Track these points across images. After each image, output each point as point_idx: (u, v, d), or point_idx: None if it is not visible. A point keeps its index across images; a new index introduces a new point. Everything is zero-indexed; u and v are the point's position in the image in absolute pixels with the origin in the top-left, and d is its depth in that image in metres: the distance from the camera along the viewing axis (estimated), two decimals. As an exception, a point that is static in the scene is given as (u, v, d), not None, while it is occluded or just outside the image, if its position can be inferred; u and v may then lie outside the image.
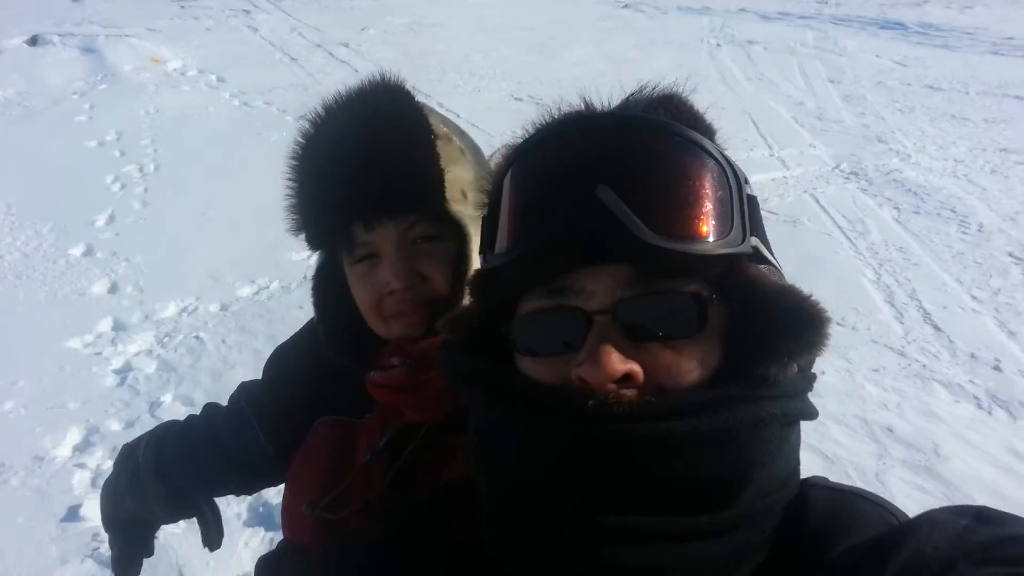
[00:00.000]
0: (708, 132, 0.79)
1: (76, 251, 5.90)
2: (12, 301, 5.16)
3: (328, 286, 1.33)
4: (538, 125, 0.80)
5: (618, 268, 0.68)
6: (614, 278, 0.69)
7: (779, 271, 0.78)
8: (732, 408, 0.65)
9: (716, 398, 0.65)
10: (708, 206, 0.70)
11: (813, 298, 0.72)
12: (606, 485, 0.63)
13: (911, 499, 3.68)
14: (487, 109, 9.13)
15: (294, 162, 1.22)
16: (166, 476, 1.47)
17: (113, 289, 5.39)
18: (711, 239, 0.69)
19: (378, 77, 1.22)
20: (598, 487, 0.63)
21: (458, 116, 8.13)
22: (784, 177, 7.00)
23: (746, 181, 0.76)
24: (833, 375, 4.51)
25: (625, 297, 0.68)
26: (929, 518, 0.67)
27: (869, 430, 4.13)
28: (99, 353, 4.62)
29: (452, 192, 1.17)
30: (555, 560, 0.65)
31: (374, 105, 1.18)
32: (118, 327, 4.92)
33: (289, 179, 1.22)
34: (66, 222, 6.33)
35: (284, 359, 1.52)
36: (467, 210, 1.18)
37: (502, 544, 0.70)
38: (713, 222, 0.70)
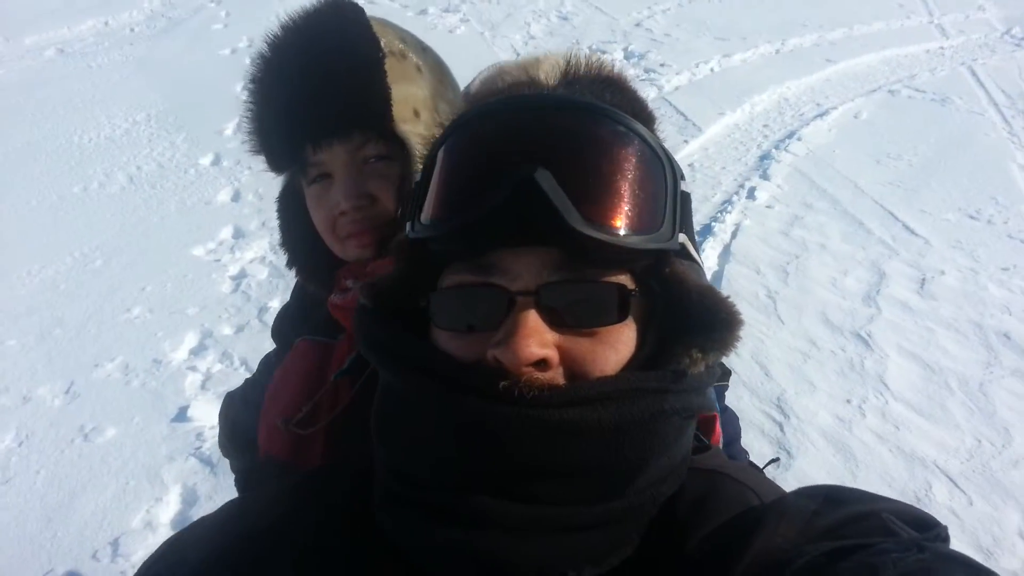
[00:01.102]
0: (649, 120, 0.80)
1: (205, 160, 6.18)
2: (147, 211, 5.50)
3: (290, 209, 1.36)
4: (481, 97, 0.82)
5: (546, 251, 0.68)
6: (541, 261, 0.68)
7: (701, 269, 0.81)
8: (638, 400, 0.67)
9: (625, 389, 0.67)
10: (642, 200, 0.70)
11: (729, 300, 0.75)
12: (504, 468, 0.64)
13: (1017, 413, 3.27)
14: None
15: (251, 85, 1.22)
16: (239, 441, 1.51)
17: (235, 197, 5.62)
18: (641, 233, 0.69)
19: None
20: (496, 470, 0.64)
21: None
22: (940, 48, 6.12)
23: (682, 177, 0.76)
24: (953, 275, 4.01)
25: (550, 281, 0.68)
26: (780, 505, 0.68)
27: (983, 336, 3.70)
28: (218, 260, 4.86)
29: (402, 111, 1.16)
30: (436, 540, 0.64)
31: (322, 26, 1.18)
32: (237, 235, 5.13)
33: (246, 101, 1.24)
34: (198, 132, 6.63)
35: (292, 291, 1.55)
36: (418, 128, 1.16)
37: (389, 516, 0.70)
38: (645, 216, 0.70)
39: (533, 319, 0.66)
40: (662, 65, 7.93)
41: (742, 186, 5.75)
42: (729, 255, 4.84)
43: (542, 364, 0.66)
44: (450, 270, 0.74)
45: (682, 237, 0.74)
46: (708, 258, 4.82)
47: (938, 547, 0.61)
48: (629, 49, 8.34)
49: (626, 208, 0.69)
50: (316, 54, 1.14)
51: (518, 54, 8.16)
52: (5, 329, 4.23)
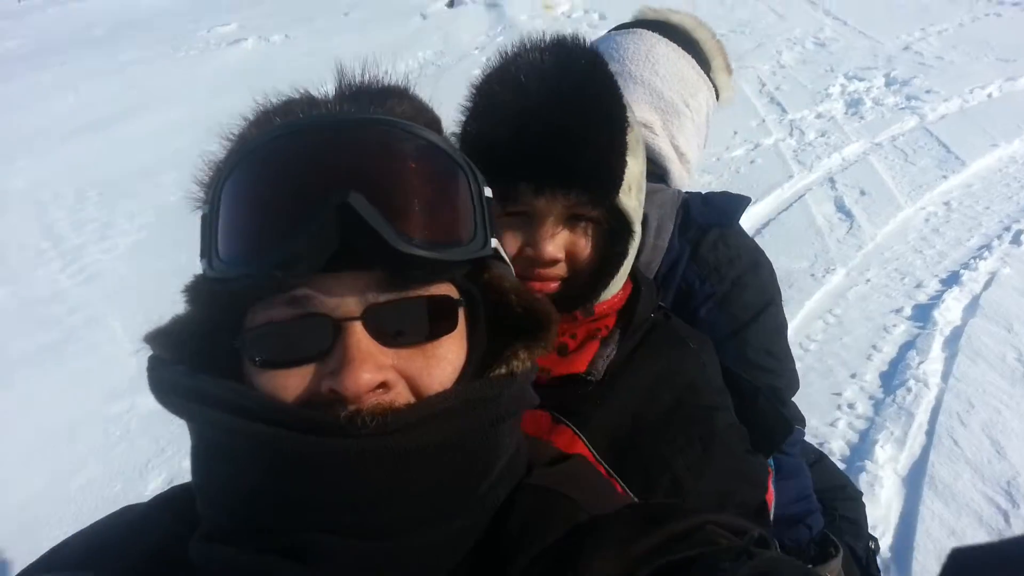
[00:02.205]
0: (440, 128, 0.81)
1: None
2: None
3: None
4: (261, 118, 0.75)
5: (365, 274, 0.67)
6: (364, 283, 0.67)
7: (511, 270, 0.83)
8: (478, 409, 0.68)
9: (465, 400, 0.68)
10: (454, 212, 0.72)
11: (543, 297, 0.80)
12: (347, 503, 0.62)
13: None
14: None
15: (485, 89, 1.18)
16: None
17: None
18: (458, 244, 0.71)
19: (574, 38, 1.20)
20: (338, 506, 0.62)
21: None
22: None
23: (484, 183, 0.76)
24: None
25: (376, 303, 0.67)
26: (601, 530, 0.68)
27: None
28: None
29: (625, 183, 1.16)
30: (260, 569, 0.63)
31: (579, 73, 1.15)
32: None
33: (468, 104, 1.20)
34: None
35: None
36: (631, 203, 1.17)
37: (208, 554, 0.67)
38: (459, 228, 0.72)
39: (365, 343, 0.66)
40: (928, 92, 7.15)
41: (1007, 228, 5.01)
42: (977, 308, 4.22)
43: (382, 387, 0.66)
44: (260, 306, 0.70)
45: (494, 242, 0.76)
46: (950, 309, 4.24)
47: (766, 553, 0.62)
48: (891, 75, 7.62)
49: (439, 221, 0.70)
50: (571, 101, 1.11)
51: (764, 84, 7.82)
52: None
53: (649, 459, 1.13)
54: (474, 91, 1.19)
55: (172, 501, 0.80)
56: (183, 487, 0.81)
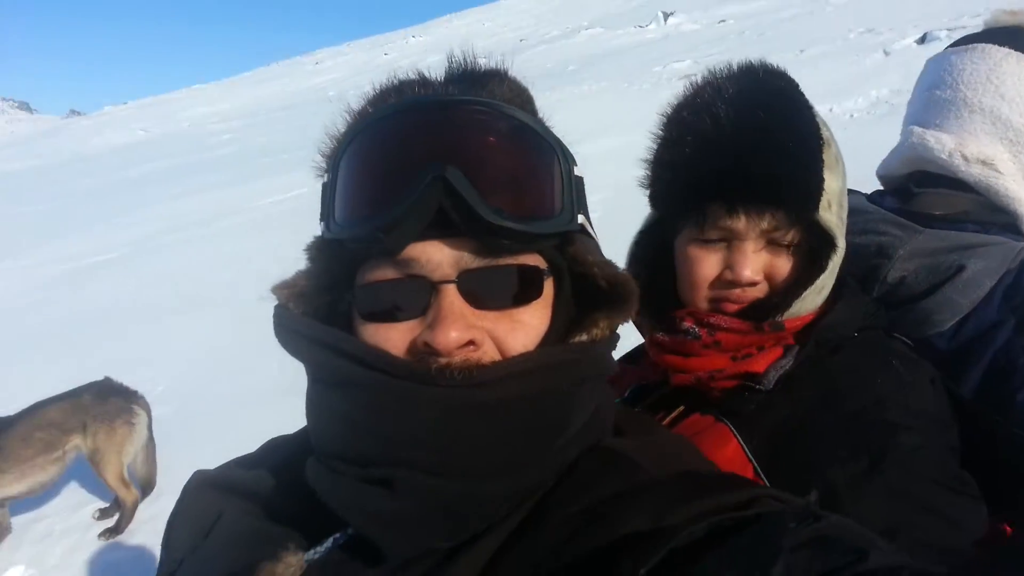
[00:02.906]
0: (533, 108, 0.85)
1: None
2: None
3: (645, 245, 1.34)
4: (376, 97, 0.83)
5: (461, 241, 0.73)
6: (458, 250, 0.73)
7: (598, 245, 0.85)
8: (559, 371, 0.74)
9: (547, 363, 0.73)
10: (543, 188, 0.76)
11: (625, 272, 0.83)
12: (431, 444, 0.69)
13: None
14: None
15: (676, 117, 1.20)
16: None
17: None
18: (546, 218, 0.75)
19: (762, 63, 1.20)
20: (423, 445, 0.69)
21: None
22: None
23: (575, 163, 0.80)
24: None
25: (469, 269, 0.73)
26: (644, 490, 0.71)
27: None
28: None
29: (824, 200, 1.13)
30: (368, 509, 0.70)
31: (772, 91, 1.16)
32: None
33: (658, 132, 1.22)
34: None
35: None
36: (832, 219, 1.14)
37: (320, 480, 0.75)
38: (548, 202, 0.76)
39: (458, 304, 0.71)
40: None
41: None
42: None
43: (471, 345, 0.71)
44: (369, 266, 0.77)
45: (581, 218, 0.79)
46: None
47: (832, 516, 0.64)
48: None
49: (529, 196, 0.75)
50: (763, 121, 1.11)
51: None
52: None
53: (802, 464, 1.08)
54: (664, 120, 1.20)
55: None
56: None
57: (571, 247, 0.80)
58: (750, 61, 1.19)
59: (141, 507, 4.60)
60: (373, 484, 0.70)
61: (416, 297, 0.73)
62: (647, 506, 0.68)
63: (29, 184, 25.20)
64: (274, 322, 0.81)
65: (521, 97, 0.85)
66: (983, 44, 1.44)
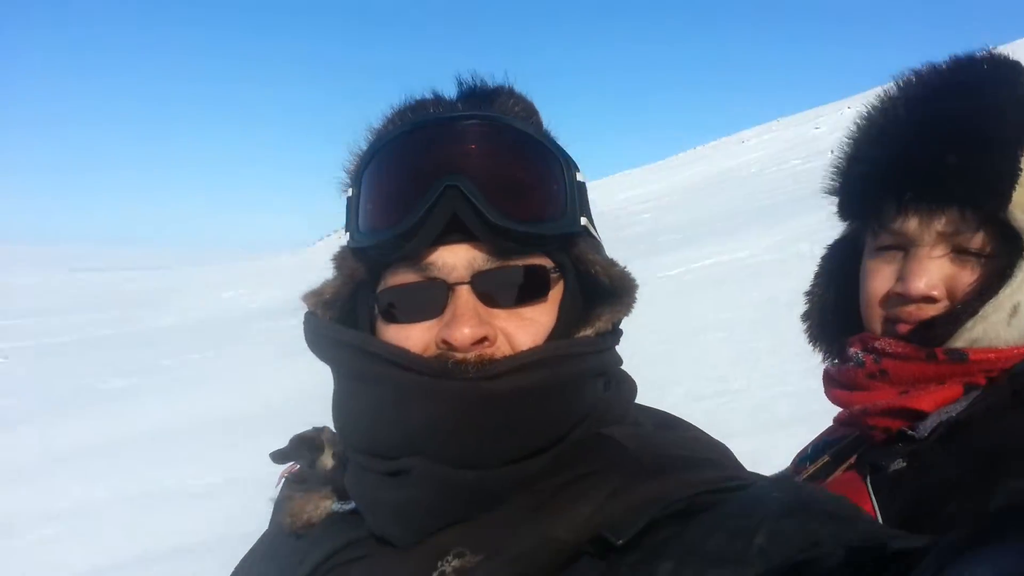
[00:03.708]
0: (538, 120, 0.92)
1: None
2: None
3: (834, 262, 1.24)
4: (395, 115, 0.90)
5: (474, 245, 0.80)
6: (471, 254, 0.80)
7: (601, 245, 0.91)
8: (566, 363, 0.80)
9: (554, 355, 0.79)
10: (548, 194, 0.83)
11: (627, 269, 0.90)
12: (448, 434, 0.75)
13: None
14: None
15: (854, 124, 1.15)
16: None
17: None
18: (551, 221, 0.82)
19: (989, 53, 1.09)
20: (440, 435, 0.75)
21: None
22: None
23: (577, 169, 0.87)
24: None
25: (481, 270, 0.80)
26: (602, 471, 0.76)
27: None
28: None
29: (1018, 196, 0.98)
30: (387, 500, 0.78)
31: (959, 74, 1.06)
32: None
33: (846, 137, 1.16)
34: None
35: None
36: (1020, 214, 0.98)
37: (350, 482, 0.84)
38: (552, 206, 0.83)
39: (472, 303, 0.78)
40: None
41: None
42: None
43: (485, 340, 0.77)
44: (389, 271, 0.84)
45: (584, 220, 0.86)
46: None
47: (813, 486, 0.72)
48: None
49: (535, 201, 0.82)
50: (939, 108, 1.01)
51: None
52: None
53: (946, 524, 0.84)
54: (854, 125, 1.13)
55: None
56: None
57: (575, 247, 0.86)
58: (953, 56, 1.07)
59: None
60: (389, 474, 0.77)
61: (434, 298, 0.80)
62: (613, 479, 0.73)
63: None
64: (304, 328, 0.89)
65: (527, 110, 0.91)
66: None
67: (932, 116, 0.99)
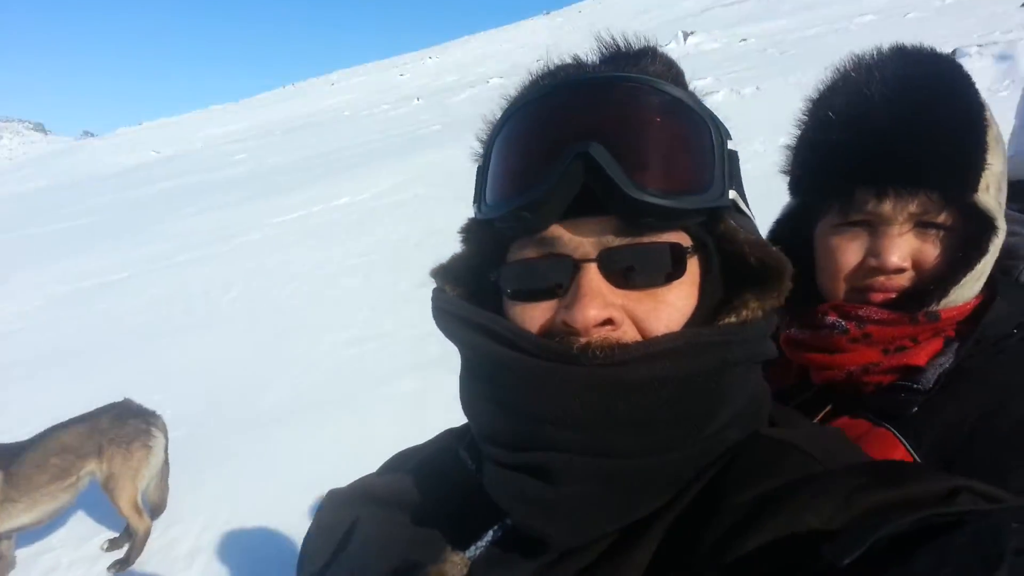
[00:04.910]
0: (683, 82, 0.83)
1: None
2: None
3: (783, 237, 1.27)
4: (531, 81, 0.84)
5: (605, 219, 0.72)
6: (600, 229, 0.73)
7: (752, 223, 0.82)
8: (705, 353, 0.70)
9: (692, 343, 0.70)
10: (691, 162, 0.74)
11: (779, 250, 0.79)
12: (581, 424, 0.68)
13: None
14: None
15: (812, 102, 1.18)
16: None
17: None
18: (692, 193, 0.73)
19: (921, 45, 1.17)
20: (573, 426, 0.68)
21: None
22: None
23: (728, 136, 0.78)
24: None
25: (610, 247, 0.72)
26: (827, 478, 0.67)
27: None
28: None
29: (984, 181, 1.07)
30: (521, 493, 0.70)
31: (930, 71, 1.10)
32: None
33: (803, 116, 1.19)
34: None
35: None
36: (991, 202, 1.08)
37: (485, 471, 0.76)
38: (695, 177, 0.73)
39: (596, 282, 0.71)
40: None
41: None
42: None
43: (610, 322, 0.70)
44: (516, 245, 0.78)
45: (732, 194, 0.76)
46: None
47: None
48: None
49: (676, 171, 0.72)
50: (915, 100, 1.06)
51: None
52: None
53: (980, 472, 0.92)
54: (810, 103, 1.17)
55: (453, 432, 0.95)
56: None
57: (721, 224, 0.77)
58: (903, 44, 1.14)
59: (152, 536, 4.33)
60: (527, 470, 0.70)
61: (557, 276, 0.73)
62: (834, 492, 0.64)
63: (42, 204, 25.44)
64: (432, 304, 0.83)
65: (671, 71, 0.82)
66: None
67: (909, 108, 1.06)
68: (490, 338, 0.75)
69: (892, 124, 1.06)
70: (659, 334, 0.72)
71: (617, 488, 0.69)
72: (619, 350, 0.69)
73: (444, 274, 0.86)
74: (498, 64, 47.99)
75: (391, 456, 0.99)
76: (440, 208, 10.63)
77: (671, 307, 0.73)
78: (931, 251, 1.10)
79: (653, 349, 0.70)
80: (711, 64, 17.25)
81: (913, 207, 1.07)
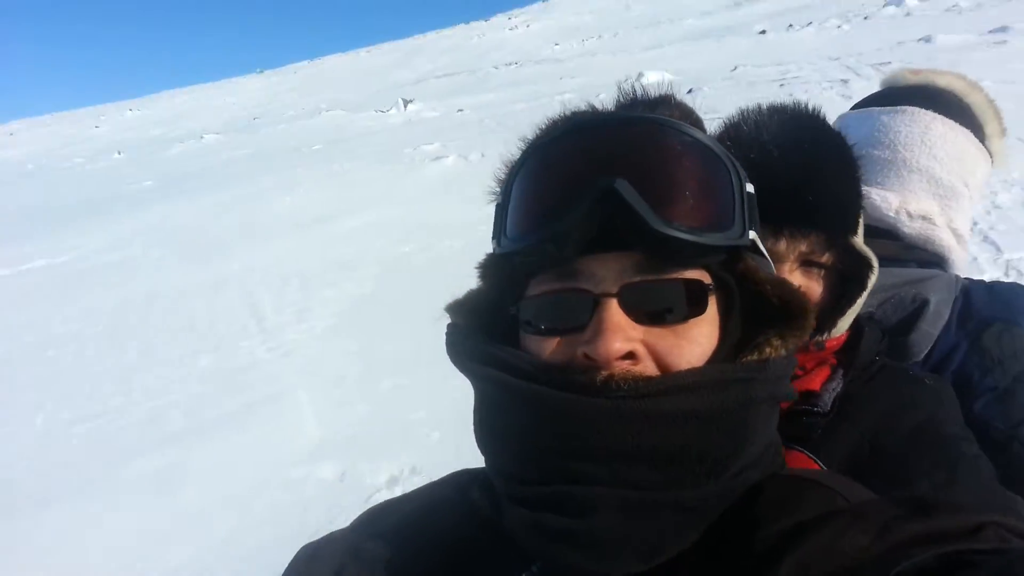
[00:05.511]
0: (703, 127, 0.86)
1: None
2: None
3: None
4: (551, 122, 0.86)
5: (627, 255, 0.73)
6: (622, 264, 0.74)
7: (770, 264, 0.84)
8: (728, 389, 0.71)
9: (715, 379, 0.71)
10: (713, 201, 0.76)
11: (800, 289, 0.81)
12: (604, 457, 0.68)
13: None
14: None
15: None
16: None
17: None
18: (715, 231, 0.74)
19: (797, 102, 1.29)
20: (597, 459, 0.68)
21: None
22: None
23: (747, 179, 0.80)
24: None
25: (631, 282, 0.73)
26: (860, 507, 0.69)
27: None
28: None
29: (861, 225, 1.24)
30: (547, 530, 0.69)
31: (814, 125, 1.23)
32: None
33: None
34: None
35: None
36: (860, 241, 1.22)
37: (506, 512, 0.75)
38: (718, 215, 0.75)
39: (617, 316, 0.71)
40: None
41: None
42: None
43: (631, 357, 0.71)
44: (536, 280, 0.79)
45: (752, 234, 0.78)
46: None
47: None
48: None
49: (699, 209, 0.74)
50: (808, 151, 1.16)
51: (976, 223, 7.16)
52: (431, 427, 4.84)
53: (892, 484, 1.09)
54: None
55: (448, 483, 0.92)
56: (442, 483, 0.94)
57: (741, 263, 0.80)
58: (782, 102, 1.26)
59: None
60: (551, 505, 0.69)
61: (578, 310, 0.74)
62: (870, 523, 0.65)
63: None
64: (446, 339, 0.84)
65: (690, 118, 0.85)
66: (911, 108, 1.60)
67: (800, 159, 1.16)
68: (510, 372, 0.74)
69: (788, 171, 1.14)
70: (680, 369, 0.72)
71: (644, 521, 0.68)
72: (643, 383, 0.68)
73: (459, 309, 0.86)
74: (212, 119, 45.74)
75: (365, 511, 0.93)
76: (162, 270, 9.88)
77: (693, 343, 0.74)
78: (815, 287, 1.21)
79: (677, 383, 0.70)
80: (435, 130, 18.04)
81: (803, 246, 1.17)
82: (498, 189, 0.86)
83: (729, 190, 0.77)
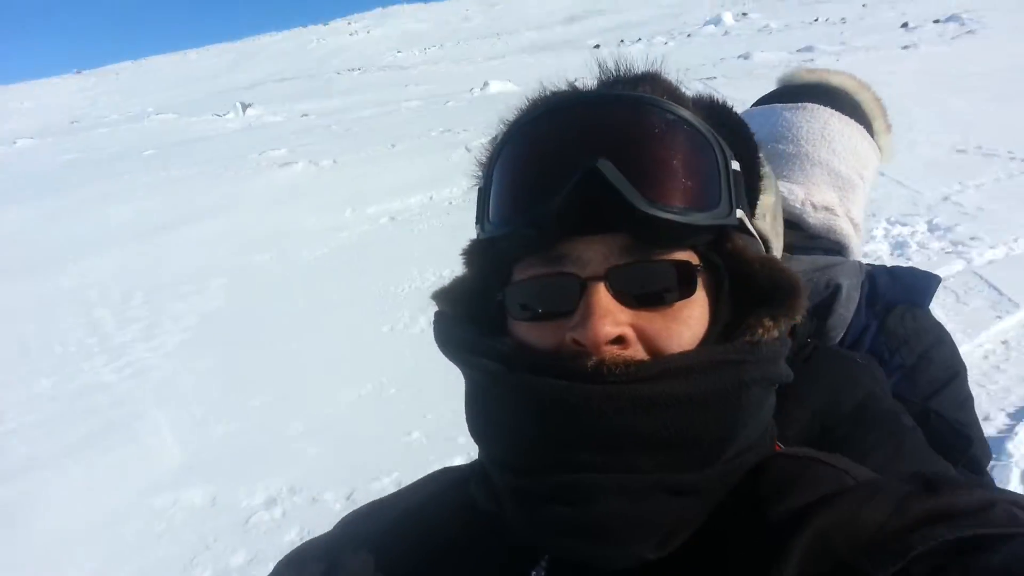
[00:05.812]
0: (688, 104, 0.82)
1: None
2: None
3: None
4: (530, 103, 0.83)
5: (612, 237, 0.72)
6: (608, 247, 0.72)
7: (759, 244, 0.84)
8: (720, 371, 0.69)
9: (706, 361, 0.70)
10: (698, 180, 0.74)
11: (790, 268, 0.79)
12: (598, 443, 0.66)
13: None
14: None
15: None
16: None
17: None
18: (701, 210, 0.73)
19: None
20: (590, 445, 0.67)
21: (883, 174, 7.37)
22: None
23: (732, 157, 0.78)
24: None
25: (618, 264, 0.72)
26: (873, 483, 0.69)
27: None
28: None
29: (760, 211, 1.21)
30: (548, 519, 0.68)
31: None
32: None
33: None
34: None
35: None
36: (766, 227, 1.19)
37: (507, 506, 0.73)
38: (703, 195, 0.74)
39: (605, 300, 0.70)
40: (972, 239, 7.26)
41: (1074, 368, 4.90)
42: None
43: (620, 341, 0.70)
44: (521, 265, 0.77)
45: (739, 213, 0.77)
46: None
47: None
48: (933, 222, 7.79)
49: (685, 188, 0.73)
50: None
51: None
52: (308, 441, 4.79)
53: (844, 454, 1.18)
54: None
55: (434, 481, 0.92)
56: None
57: (729, 243, 0.78)
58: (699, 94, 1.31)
59: None
60: (553, 495, 0.68)
61: (565, 294, 0.72)
62: (888, 496, 0.64)
63: None
64: (434, 328, 0.82)
65: (674, 94, 0.82)
66: (811, 104, 1.70)
67: None
68: (500, 360, 0.73)
69: None
70: (671, 353, 0.71)
71: (649, 507, 0.67)
72: (635, 367, 0.67)
73: (445, 297, 0.84)
74: (25, 123, 41.74)
75: (344, 519, 0.90)
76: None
77: (683, 326, 0.72)
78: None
79: (669, 366, 0.68)
80: (280, 136, 17.46)
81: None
82: (479, 173, 0.84)
83: (715, 168, 0.76)
